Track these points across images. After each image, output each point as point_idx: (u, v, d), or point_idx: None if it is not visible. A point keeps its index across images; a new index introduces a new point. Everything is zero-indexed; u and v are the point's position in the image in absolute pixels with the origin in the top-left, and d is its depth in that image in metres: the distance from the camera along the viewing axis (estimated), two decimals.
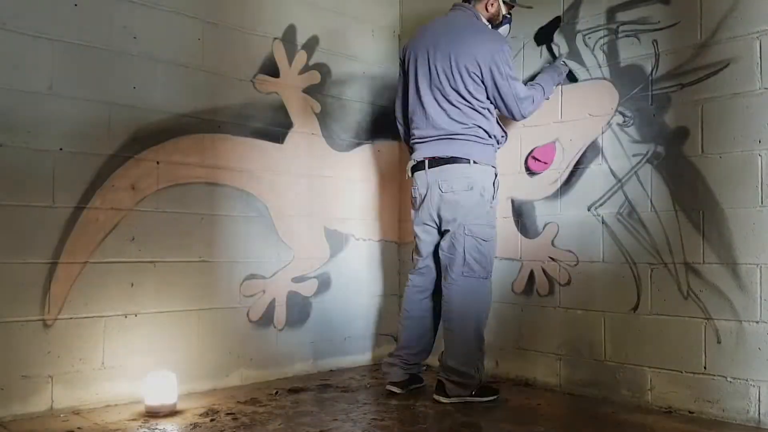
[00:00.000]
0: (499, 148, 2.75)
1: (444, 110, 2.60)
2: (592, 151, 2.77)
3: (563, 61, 2.87)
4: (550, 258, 2.89)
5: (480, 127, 2.60)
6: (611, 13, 2.73)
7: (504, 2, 2.77)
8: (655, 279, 2.56)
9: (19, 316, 2.28)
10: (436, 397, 2.63)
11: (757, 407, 2.28)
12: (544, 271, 2.92)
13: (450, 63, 2.57)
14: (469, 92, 2.57)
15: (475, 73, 2.57)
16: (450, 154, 2.57)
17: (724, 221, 2.37)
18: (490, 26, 2.75)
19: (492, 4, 2.73)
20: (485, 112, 2.62)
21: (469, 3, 2.75)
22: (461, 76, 2.56)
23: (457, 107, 2.58)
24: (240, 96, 2.92)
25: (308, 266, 3.20)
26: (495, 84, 2.59)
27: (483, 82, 2.59)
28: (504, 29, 2.81)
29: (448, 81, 2.58)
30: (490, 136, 2.64)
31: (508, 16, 2.82)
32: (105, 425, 2.23)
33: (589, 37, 2.80)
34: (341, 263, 3.31)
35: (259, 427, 2.24)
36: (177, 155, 2.70)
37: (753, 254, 2.31)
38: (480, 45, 2.58)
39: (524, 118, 2.73)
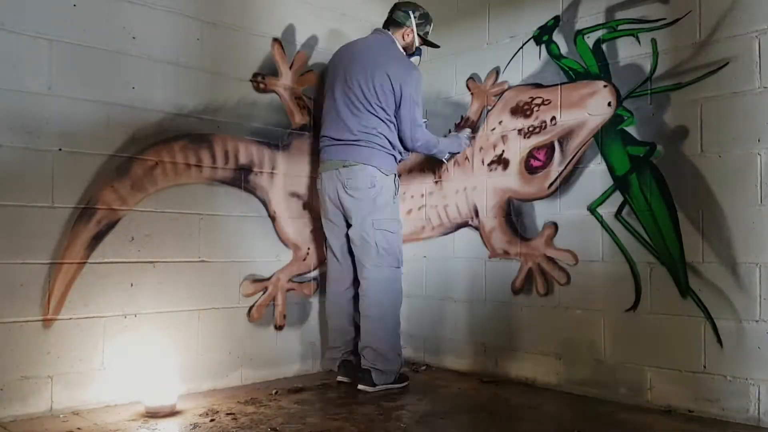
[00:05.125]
0: (401, 159, 2.99)
1: (355, 116, 2.82)
2: (591, 150, 2.77)
3: (469, 135, 3.19)
4: (550, 258, 2.89)
5: (384, 136, 2.83)
6: (610, 12, 2.73)
7: (418, 35, 3.02)
8: (654, 278, 2.56)
9: (19, 316, 2.28)
10: (362, 387, 2.76)
11: (756, 406, 2.28)
12: (543, 270, 2.92)
13: (366, 75, 2.81)
14: (379, 102, 2.81)
15: (386, 87, 2.80)
16: (357, 160, 2.80)
17: (724, 220, 2.38)
18: (405, 53, 3.01)
19: (408, 35, 3.01)
20: (390, 124, 2.86)
21: (389, 30, 3.01)
22: (374, 88, 2.80)
23: (365, 114, 2.81)
24: (239, 96, 2.93)
25: (308, 266, 3.20)
26: (400, 102, 2.84)
27: (393, 97, 2.82)
28: (415, 59, 3.07)
29: (362, 91, 2.81)
30: (393, 147, 2.88)
31: (420, 48, 3.09)
32: (105, 425, 2.23)
33: (588, 36, 2.80)
34: None
35: (259, 427, 2.24)
36: (176, 155, 2.70)
37: (752, 253, 2.31)
38: (395, 63, 2.86)
39: (413, 147, 2.95)
